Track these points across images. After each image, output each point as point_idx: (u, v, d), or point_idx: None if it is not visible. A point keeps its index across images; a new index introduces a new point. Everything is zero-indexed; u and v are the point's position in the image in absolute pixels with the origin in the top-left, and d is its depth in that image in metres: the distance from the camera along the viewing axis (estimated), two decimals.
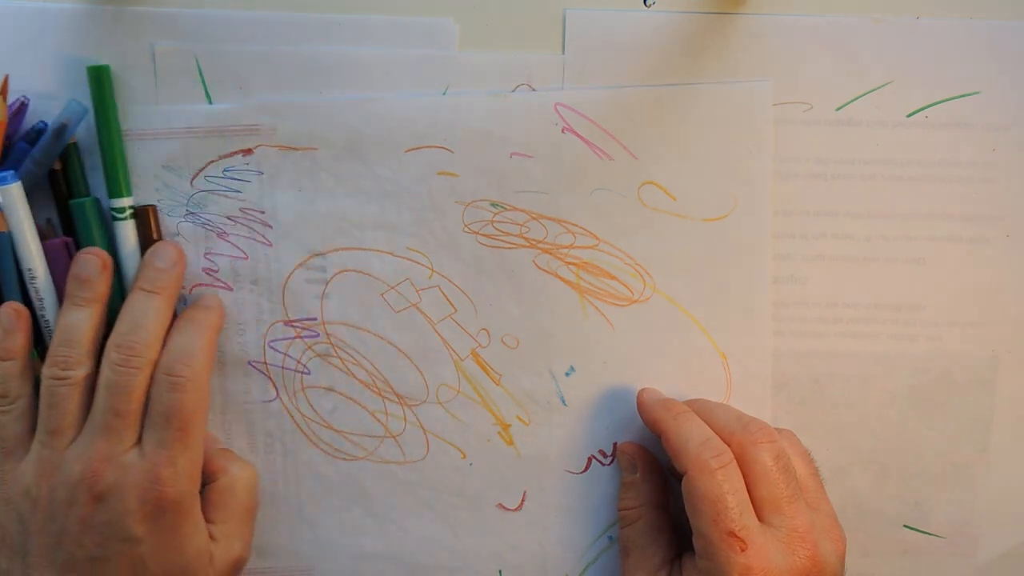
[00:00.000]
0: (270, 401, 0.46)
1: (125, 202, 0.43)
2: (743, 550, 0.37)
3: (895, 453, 0.46)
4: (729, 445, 0.40)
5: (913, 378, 0.45)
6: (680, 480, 0.40)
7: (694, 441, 0.40)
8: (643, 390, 0.45)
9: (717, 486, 0.38)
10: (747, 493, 0.39)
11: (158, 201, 0.44)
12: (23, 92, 0.43)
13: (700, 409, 0.43)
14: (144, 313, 0.42)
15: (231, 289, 0.45)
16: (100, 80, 0.42)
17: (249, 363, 0.45)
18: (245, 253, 0.45)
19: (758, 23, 0.43)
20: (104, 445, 0.40)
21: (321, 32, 0.43)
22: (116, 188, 0.43)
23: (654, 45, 0.43)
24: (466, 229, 0.44)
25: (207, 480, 0.43)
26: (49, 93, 0.43)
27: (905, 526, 0.46)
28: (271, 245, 0.44)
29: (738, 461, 0.40)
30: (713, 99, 0.43)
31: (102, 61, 0.43)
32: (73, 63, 0.43)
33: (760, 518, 0.39)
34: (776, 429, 0.42)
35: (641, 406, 0.44)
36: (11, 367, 0.41)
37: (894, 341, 0.45)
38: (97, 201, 0.43)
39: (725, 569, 0.37)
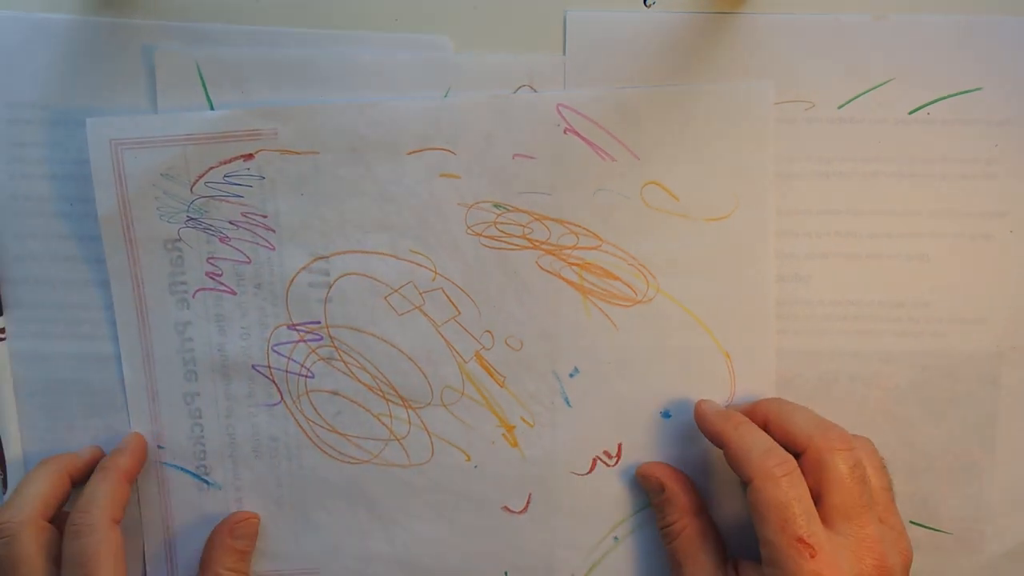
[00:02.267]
0: (274, 405, 0.46)
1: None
2: (812, 556, 0.37)
3: (901, 450, 0.46)
4: (806, 449, 0.40)
5: (918, 375, 0.45)
6: (743, 488, 0.40)
7: (757, 450, 0.40)
8: (701, 401, 0.44)
9: (783, 493, 0.38)
10: (812, 501, 0.39)
11: (157, 209, 0.44)
12: (19, 102, 0.43)
13: (778, 410, 0.42)
14: (25, 480, 0.44)
15: (234, 293, 0.45)
16: None
17: (253, 367, 0.45)
18: (248, 257, 0.44)
19: (759, 22, 0.43)
20: None
21: (321, 39, 0.43)
22: None
23: (655, 45, 0.43)
24: (469, 231, 0.44)
25: None
26: (45, 104, 0.43)
27: (912, 522, 0.46)
28: (274, 249, 0.44)
29: (813, 466, 0.39)
30: (714, 99, 0.43)
31: (100, 68, 0.43)
32: (70, 73, 0.43)
33: (829, 525, 0.39)
34: (854, 436, 0.42)
35: (700, 417, 0.44)
36: None
37: (898, 338, 0.45)
38: None
39: None
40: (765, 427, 0.42)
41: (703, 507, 0.44)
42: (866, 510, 0.39)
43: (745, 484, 0.40)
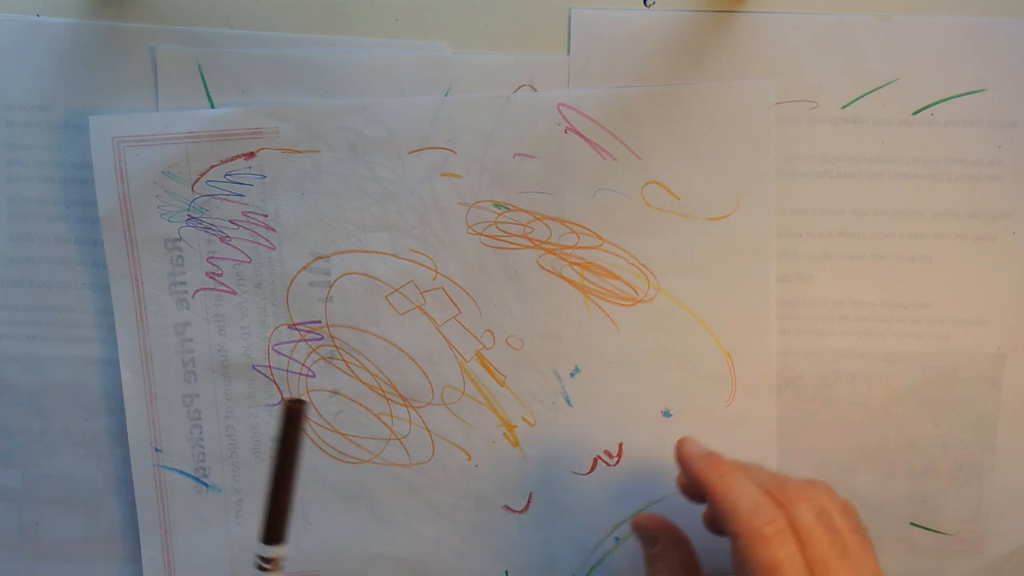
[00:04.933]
0: (274, 405, 0.46)
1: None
2: None
3: (902, 451, 0.46)
4: None
5: (919, 376, 0.45)
6: (716, 530, 0.39)
7: (744, 505, 0.37)
8: (682, 440, 0.42)
9: (772, 555, 0.36)
10: (802, 558, 0.37)
11: (158, 207, 0.44)
12: (19, 105, 0.43)
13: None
14: None
15: (235, 293, 0.45)
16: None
17: (253, 367, 0.45)
18: (248, 257, 0.44)
19: (763, 21, 0.43)
20: None
21: (322, 41, 0.43)
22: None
23: (660, 44, 0.43)
24: (470, 230, 0.44)
25: None
26: (44, 107, 0.43)
27: (912, 523, 0.46)
28: (274, 248, 0.44)
29: None
30: (715, 98, 0.43)
31: (100, 72, 0.43)
32: (69, 76, 0.43)
33: None
34: (809, 482, 0.40)
35: (682, 459, 0.41)
36: None
37: (900, 339, 0.45)
38: None
39: None
40: None
41: (696, 566, 0.43)
42: (842, 557, 0.37)
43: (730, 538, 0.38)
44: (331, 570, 0.47)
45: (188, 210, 0.44)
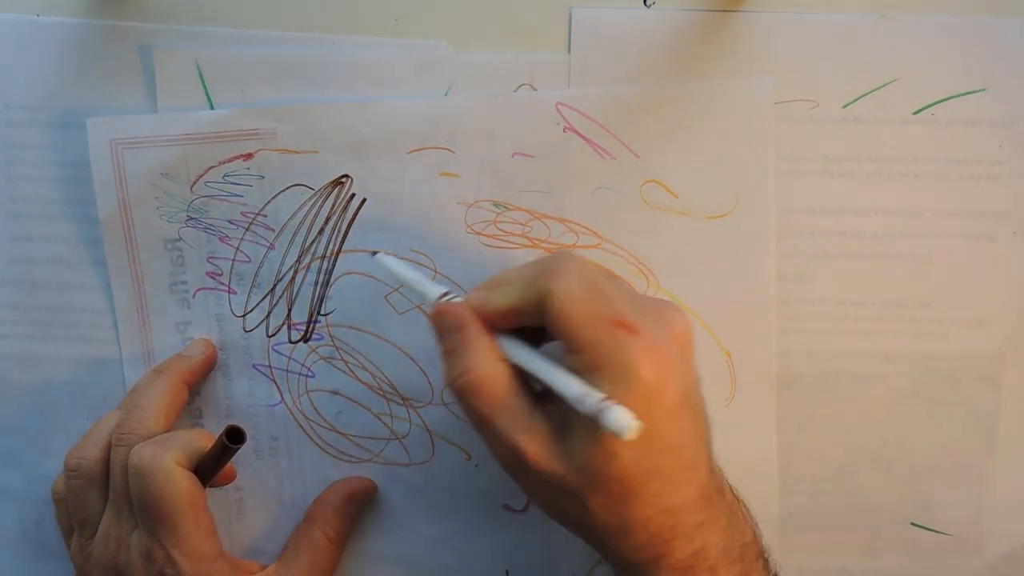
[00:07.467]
0: (274, 405, 0.46)
1: None
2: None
3: (902, 450, 0.46)
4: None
5: (920, 375, 0.45)
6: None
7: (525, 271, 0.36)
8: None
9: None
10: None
11: (157, 208, 0.44)
12: (18, 105, 0.43)
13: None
14: (143, 392, 0.43)
15: (235, 293, 0.45)
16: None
17: (253, 366, 0.45)
18: (248, 256, 0.44)
19: (763, 21, 0.43)
20: (115, 525, 0.41)
21: (321, 40, 0.43)
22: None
23: (661, 44, 0.43)
24: (469, 230, 0.44)
25: None
26: (43, 106, 0.44)
27: (912, 524, 0.46)
28: (274, 248, 0.44)
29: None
30: (714, 96, 0.43)
31: (99, 71, 0.43)
32: (69, 76, 0.43)
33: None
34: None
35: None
36: None
37: (901, 338, 0.45)
38: None
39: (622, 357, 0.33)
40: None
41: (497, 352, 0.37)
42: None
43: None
44: None
45: (187, 211, 0.44)
